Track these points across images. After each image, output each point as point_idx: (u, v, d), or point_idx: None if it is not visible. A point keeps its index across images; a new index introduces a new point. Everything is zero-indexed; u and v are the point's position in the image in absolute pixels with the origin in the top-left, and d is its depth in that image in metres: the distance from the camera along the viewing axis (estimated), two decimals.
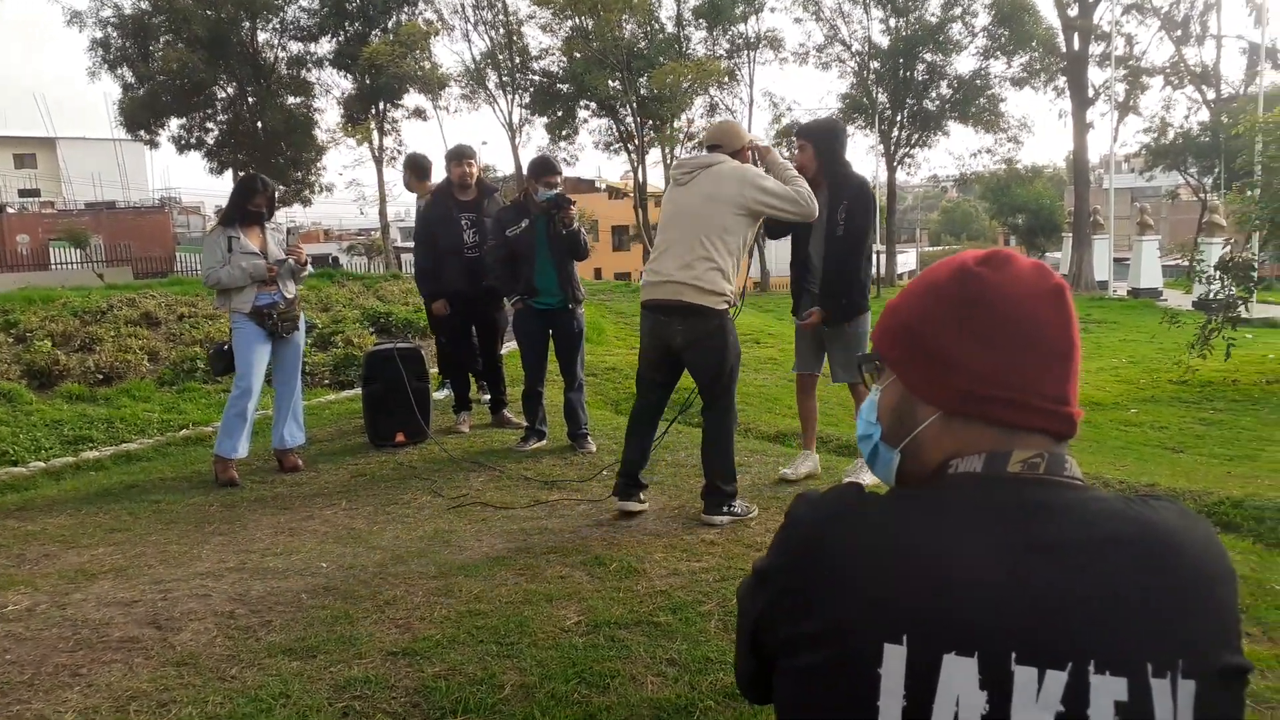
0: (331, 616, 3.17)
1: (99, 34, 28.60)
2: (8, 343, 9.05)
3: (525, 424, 5.92)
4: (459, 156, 6.17)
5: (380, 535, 4.17)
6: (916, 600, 0.89)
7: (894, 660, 0.88)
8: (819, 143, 4.57)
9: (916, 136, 35.26)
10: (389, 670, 2.78)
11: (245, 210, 5.19)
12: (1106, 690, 0.85)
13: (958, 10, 32.37)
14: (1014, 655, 0.86)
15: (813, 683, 0.94)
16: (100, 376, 8.19)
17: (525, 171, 5.85)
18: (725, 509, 4.17)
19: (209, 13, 27.26)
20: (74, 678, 2.77)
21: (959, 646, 0.87)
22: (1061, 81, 31.29)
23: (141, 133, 29.97)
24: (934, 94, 34.54)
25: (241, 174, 8.56)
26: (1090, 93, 30.37)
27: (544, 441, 5.82)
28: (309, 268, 5.47)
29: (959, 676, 0.86)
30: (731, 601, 3.21)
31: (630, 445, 4.33)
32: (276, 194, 5.51)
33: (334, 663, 2.82)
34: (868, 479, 4.59)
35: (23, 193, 48.54)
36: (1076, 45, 29.55)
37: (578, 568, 3.63)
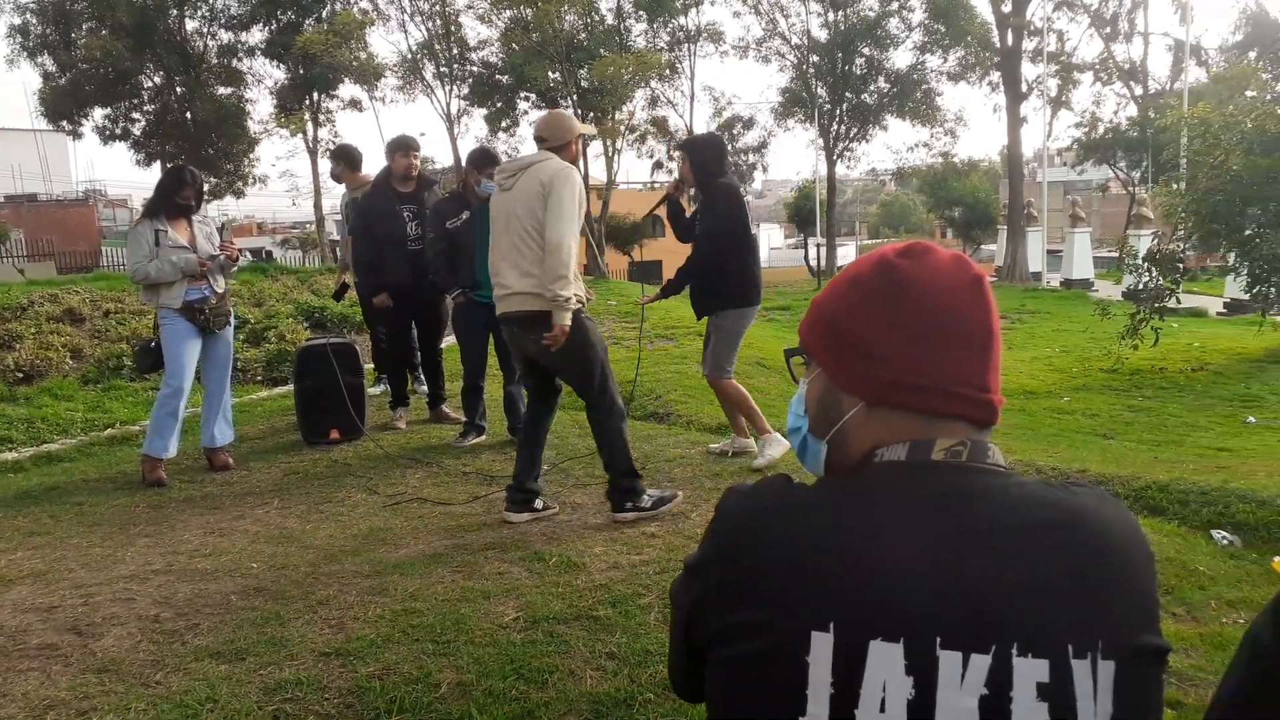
0: (261, 618, 3.09)
1: (17, 20, 27.54)
2: None
3: (464, 419, 5.85)
4: (404, 147, 6.04)
5: (314, 534, 4.07)
6: (843, 588, 0.90)
7: (821, 648, 0.88)
8: (694, 156, 4.88)
9: (855, 130, 35.70)
10: (321, 671, 2.71)
11: (172, 202, 5.02)
12: (1029, 672, 0.86)
13: (895, 5, 32.77)
14: (939, 640, 0.86)
15: (743, 673, 0.94)
16: (20, 375, 7.90)
17: (465, 162, 5.76)
18: (630, 505, 4.09)
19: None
20: None
21: (885, 633, 0.87)
22: (996, 76, 31.90)
23: (64, 123, 28.93)
24: (872, 88, 34.98)
25: (169, 165, 8.30)
26: (1024, 88, 31.06)
27: (484, 437, 5.76)
28: (239, 262, 5.33)
29: (885, 662, 0.87)
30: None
31: (519, 454, 4.27)
32: (205, 186, 5.35)
33: (264, 665, 2.75)
34: (768, 458, 4.84)
35: None
36: (1010, 41, 30.18)
37: (516, 563, 3.59)
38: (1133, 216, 24.44)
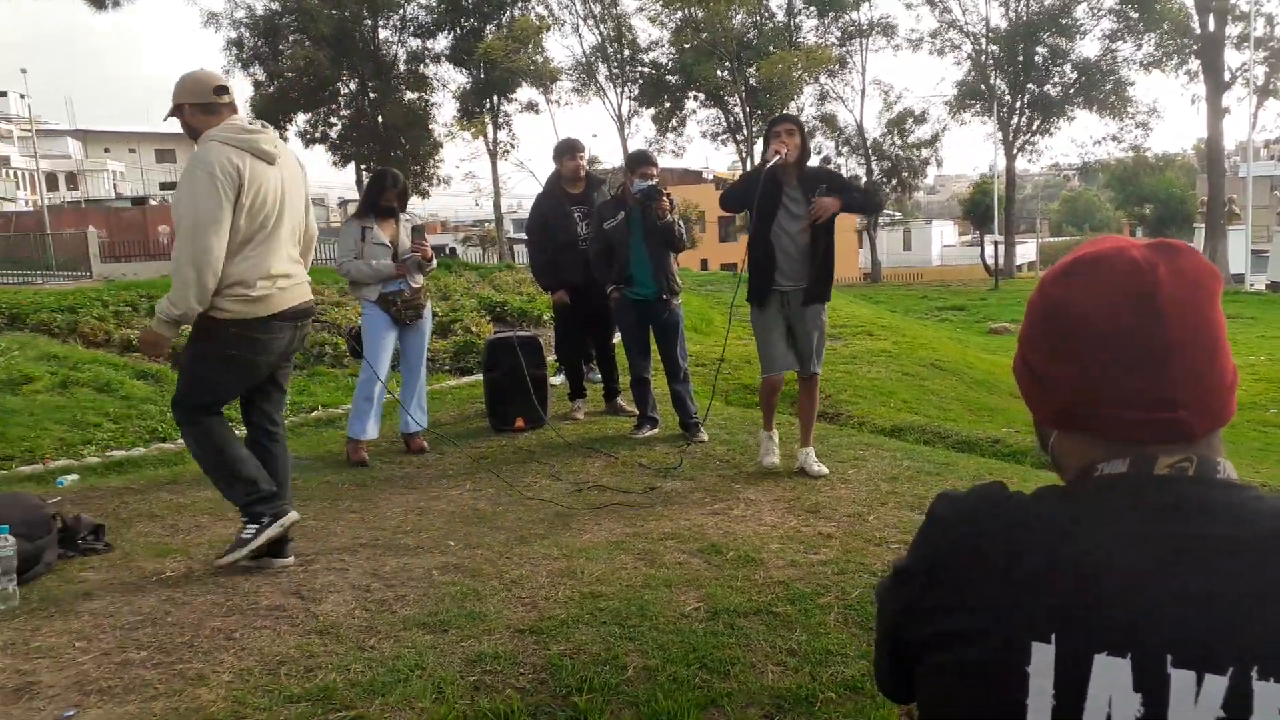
0: (461, 593, 3.30)
1: (233, 34, 30.10)
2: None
3: (637, 411, 6.02)
4: (571, 150, 6.26)
5: (503, 516, 4.31)
6: (1065, 599, 0.88)
7: (1042, 659, 0.87)
8: (804, 135, 4.78)
9: (1037, 123, 33.98)
10: (517, 647, 2.88)
11: (377, 205, 5.43)
12: (1271, 698, 0.82)
13: None
14: (1170, 658, 0.84)
15: (958, 680, 0.94)
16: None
17: (624, 164, 5.98)
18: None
19: (334, 12, 28.31)
20: (229, 640, 2.97)
21: (1111, 647, 0.85)
22: (1195, 64, 29.66)
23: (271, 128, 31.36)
24: (1056, 78, 33.21)
25: (377, 169, 8.88)
26: (1226, 76, 28.69)
27: (657, 429, 5.90)
28: (433, 263, 5.68)
29: (1111, 677, 0.85)
30: (851, 595, 3.22)
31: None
32: (408, 188, 5.75)
33: (465, 637, 2.94)
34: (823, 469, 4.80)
35: (163, 185, 51.36)
36: (1212, 26, 27.96)
37: (695, 555, 3.68)
38: None
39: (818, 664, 2.76)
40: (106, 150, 58.12)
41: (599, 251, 5.79)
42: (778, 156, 4.59)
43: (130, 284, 12.15)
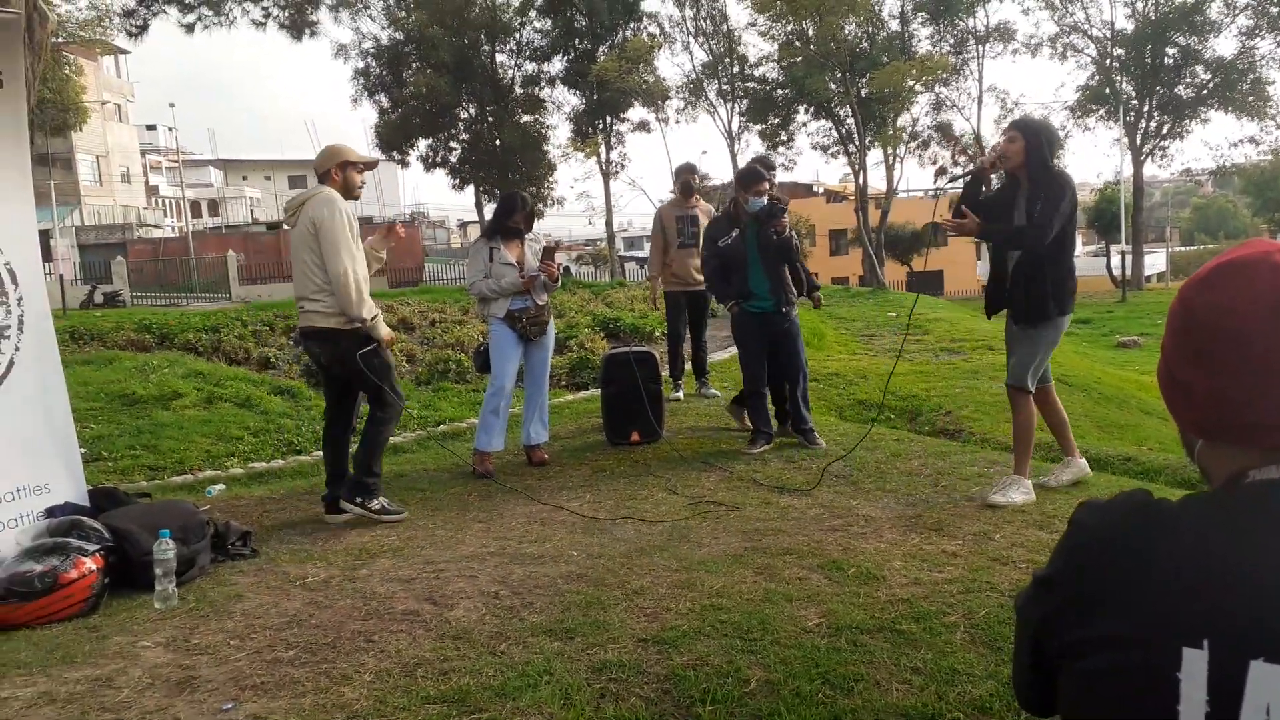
0: (585, 601, 3.38)
1: (360, 64, 31.53)
2: (288, 345, 10.18)
3: (750, 425, 6.03)
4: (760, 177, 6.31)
5: (623, 527, 4.39)
6: (1216, 604, 0.87)
7: (1194, 665, 0.87)
8: (1030, 138, 4.42)
9: (1168, 126, 32.40)
10: (640, 656, 2.94)
11: (505, 226, 5.62)
12: None
13: None
14: None
15: (1104, 686, 0.94)
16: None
17: (735, 180, 6.05)
18: (357, 500, 4.63)
19: (454, 39, 29.35)
20: (368, 643, 3.13)
21: (1267, 653, 0.84)
22: None
23: (394, 153, 32.68)
24: (1188, 79, 31.61)
25: (492, 190, 9.26)
26: None
27: (770, 444, 5.90)
28: (558, 283, 5.84)
29: (1269, 684, 0.84)
30: (979, 615, 3.16)
31: (325, 458, 4.93)
32: (534, 211, 5.94)
33: (590, 645, 3.02)
34: (1007, 499, 4.43)
35: None
36: None
37: (815, 570, 3.67)
38: None
39: (944, 683, 2.72)
40: (244, 178, 61.62)
41: (715, 269, 5.89)
42: (981, 163, 4.60)
43: (266, 304, 12.87)
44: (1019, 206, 4.47)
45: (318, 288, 4.56)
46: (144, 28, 15.68)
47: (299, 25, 15.46)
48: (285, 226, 4.95)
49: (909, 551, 3.87)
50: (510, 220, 5.63)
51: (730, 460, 5.66)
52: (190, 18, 15.31)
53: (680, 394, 7.56)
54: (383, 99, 31.61)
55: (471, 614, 3.34)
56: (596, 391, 6.91)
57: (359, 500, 4.65)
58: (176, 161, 50.25)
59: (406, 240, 39.03)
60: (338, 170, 4.69)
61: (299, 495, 5.41)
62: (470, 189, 32.95)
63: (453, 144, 32.66)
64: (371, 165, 5.06)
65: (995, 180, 4.68)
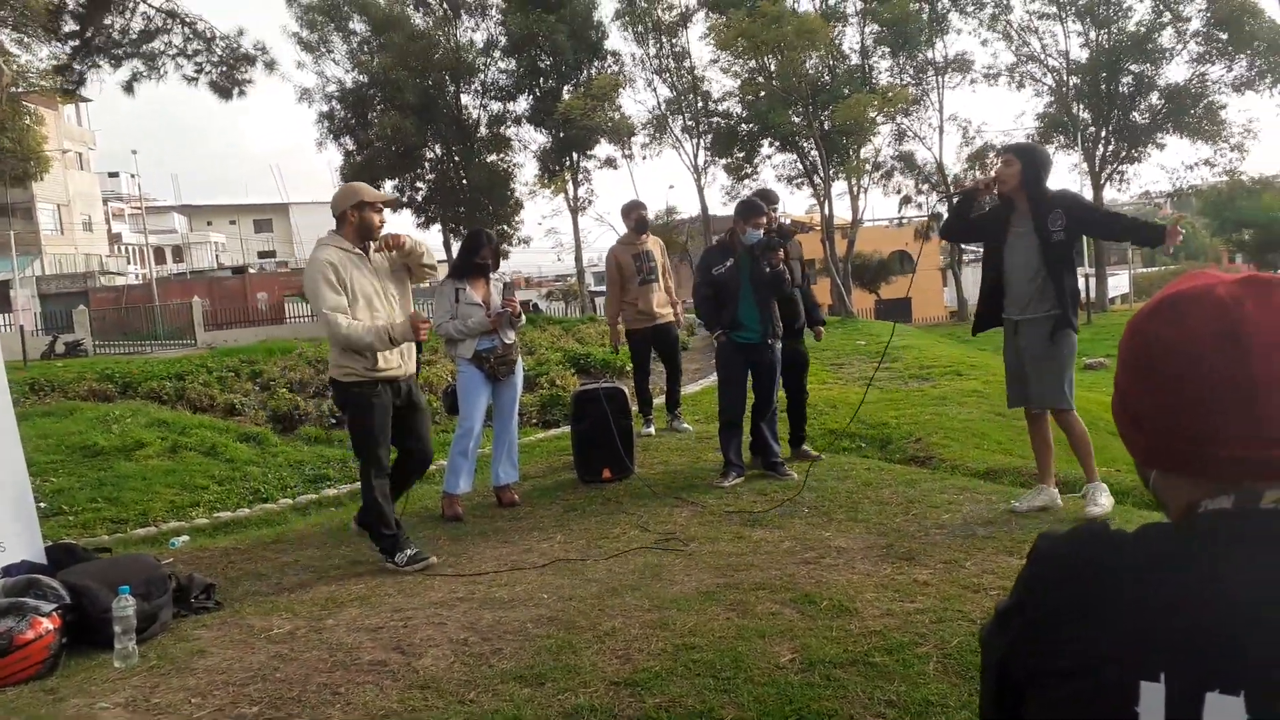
0: (556, 645, 3.34)
1: (325, 108, 31.57)
2: (255, 390, 10.08)
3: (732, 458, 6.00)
4: (765, 202, 6.30)
5: (594, 568, 4.34)
6: (1173, 636, 0.87)
7: (1152, 699, 0.86)
8: (1028, 161, 4.61)
9: (1124, 151, 33.13)
10: (613, 700, 2.89)
11: (472, 263, 5.60)
12: None
13: (1167, 16, 30.27)
14: None
15: (1066, 718, 0.93)
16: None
17: (734, 212, 6.09)
18: (384, 558, 4.60)
19: (419, 81, 29.48)
20: (334, 696, 3.06)
21: (1223, 684, 0.84)
22: None
23: None
24: (1143, 105, 32.39)
25: (458, 229, 9.26)
26: None
27: (742, 477, 5.88)
28: (522, 319, 5.82)
29: (1224, 716, 0.83)
30: (951, 644, 3.14)
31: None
32: (499, 248, 5.93)
33: (561, 690, 2.97)
34: (1100, 507, 4.50)
35: (261, 254, 53.89)
36: None
37: (788, 605, 3.65)
38: None
39: (917, 715, 2.71)
40: (209, 223, 61.26)
41: (706, 297, 5.93)
42: (978, 188, 4.77)
43: (232, 350, 12.75)
44: (1017, 229, 4.61)
45: (330, 339, 4.55)
46: (80, 81, 15.54)
47: (228, 84, 15.31)
48: None
49: (881, 582, 3.86)
50: (478, 256, 5.60)
51: (702, 494, 5.64)
52: (122, 72, 15.16)
53: (651, 429, 7.54)
54: (348, 141, 31.65)
55: (440, 662, 3.28)
56: (567, 429, 6.87)
57: (385, 558, 4.61)
58: (139, 208, 49.89)
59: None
60: (353, 212, 4.58)
61: (265, 545, 5.31)
62: (436, 228, 32.95)
63: (419, 184, 32.70)
64: (391, 203, 4.95)
65: (988, 201, 4.81)
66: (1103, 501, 4.58)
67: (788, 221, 5.98)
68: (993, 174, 4.61)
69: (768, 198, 6.39)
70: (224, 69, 15.87)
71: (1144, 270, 53.91)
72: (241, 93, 16.28)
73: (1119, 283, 44.51)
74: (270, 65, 16.35)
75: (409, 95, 28.96)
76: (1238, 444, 0.93)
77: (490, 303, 5.55)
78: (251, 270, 43.10)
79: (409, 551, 4.57)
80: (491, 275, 5.68)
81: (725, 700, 2.86)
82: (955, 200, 4.88)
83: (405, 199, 32.41)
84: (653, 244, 7.47)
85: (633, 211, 7.59)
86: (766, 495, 5.51)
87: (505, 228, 32.62)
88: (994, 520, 4.69)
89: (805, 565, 4.18)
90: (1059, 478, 4.99)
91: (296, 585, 4.44)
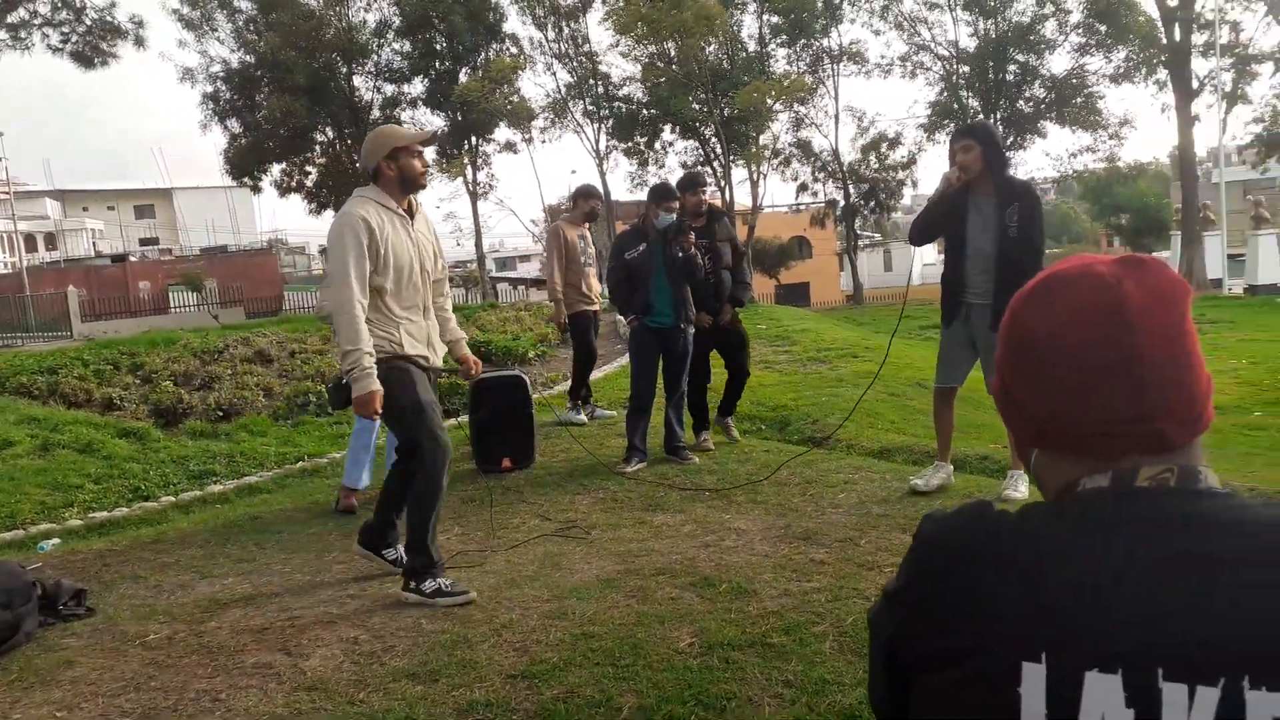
0: (450, 641, 3.25)
1: (209, 89, 30.19)
2: (135, 384, 9.59)
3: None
4: (693, 185, 6.25)
5: (493, 560, 4.25)
6: (1054, 617, 0.87)
7: (1034, 679, 0.86)
8: (987, 144, 4.54)
9: (1011, 139, 34.38)
10: (509, 693, 2.83)
11: None
12: (1264, 707, 0.81)
13: (1050, 8, 31.49)
14: (1161, 671, 0.83)
15: (952, 702, 0.93)
16: (220, 413, 8.60)
17: (647, 196, 6.07)
18: (411, 584, 3.72)
19: (309, 62, 28.46)
20: (214, 703, 2.91)
21: (1101, 663, 0.84)
22: (1163, 75, 30.11)
23: (247, 179, 31.40)
24: (1028, 95, 33.67)
25: None
26: (1195, 84, 29.18)
27: (645, 462, 5.87)
28: None
29: (1104, 694, 0.84)
30: (846, 622, 3.18)
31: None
32: None
33: (455, 686, 2.89)
34: (1019, 492, 4.55)
35: (143, 241, 51.48)
36: (1178, 36, 28.47)
37: (687, 589, 3.64)
38: None
39: (814, 694, 2.72)
40: (85, 209, 58.04)
41: (619, 280, 5.88)
42: (950, 183, 4.52)
43: (111, 342, 12.11)
44: (979, 210, 4.53)
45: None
46: None
47: (92, 54, 14.48)
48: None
49: (779, 562, 3.89)
50: None
51: (605, 481, 5.59)
52: None
53: (584, 416, 7.41)
54: (234, 124, 30.33)
55: (329, 663, 3.16)
56: (465, 418, 6.73)
57: (413, 585, 3.74)
58: (7, 192, 46.99)
59: (264, 269, 37.77)
60: (388, 163, 3.76)
61: (143, 545, 5.04)
62: (329, 213, 31.93)
63: (309, 168, 31.59)
64: (430, 141, 4.23)
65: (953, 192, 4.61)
66: (1023, 489, 4.60)
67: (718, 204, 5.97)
68: (956, 166, 4.48)
69: (696, 181, 6.35)
70: (90, 40, 15.03)
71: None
72: (105, 63, 15.44)
73: None
74: (140, 42, 15.54)
75: (298, 77, 27.90)
76: (1120, 420, 0.94)
77: None
78: (133, 258, 41.06)
79: (443, 581, 3.76)
80: None
81: (624, 688, 2.82)
82: (930, 205, 4.68)
83: (295, 183, 31.31)
84: (587, 231, 7.44)
85: (589, 199, 7.42)
86: (669, 479, 5.50)
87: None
88: (888, 499, 4.79)
89: (705, 549, 4.19)
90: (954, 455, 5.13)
91: (176, 587, 4.23)
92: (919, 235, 4.73)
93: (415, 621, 3.47)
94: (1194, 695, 0.82)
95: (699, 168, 33.37)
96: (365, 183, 3.85)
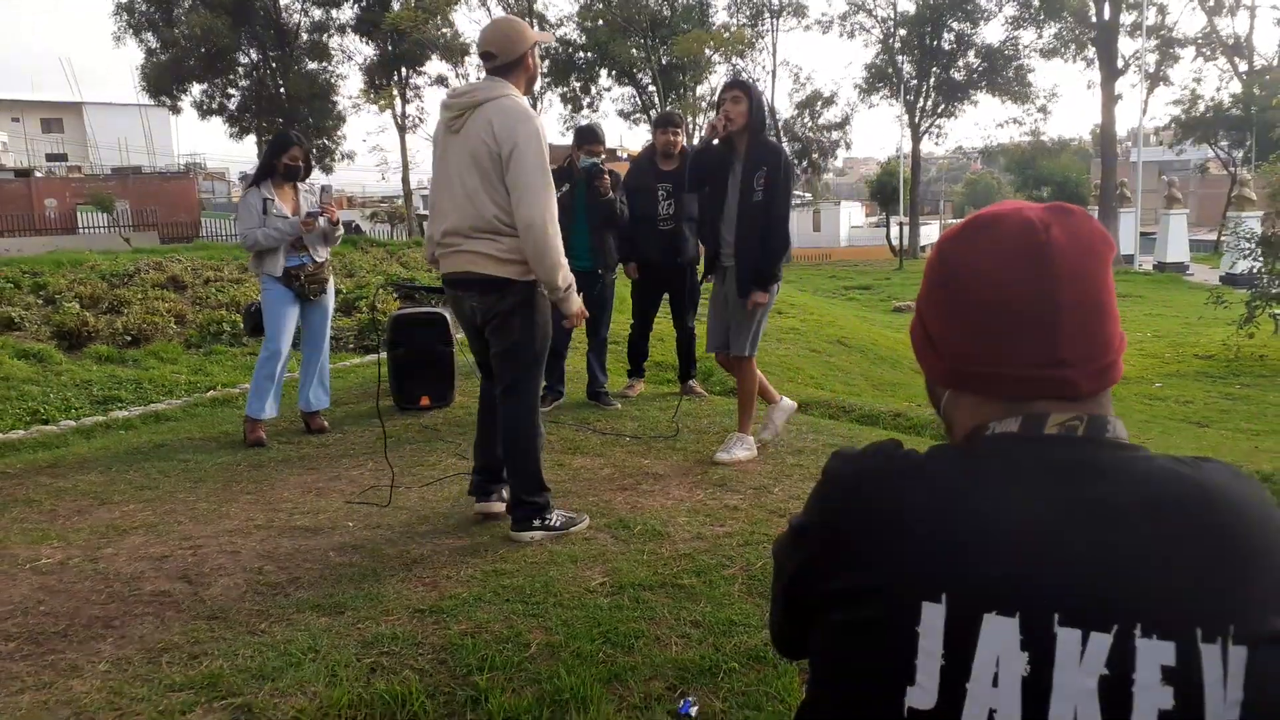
0: (359, 574, 3.20)
1: None
2: (37, 304, 9.15)
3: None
4: (666, 124, 6.06)
5: (406, 496, 4.20)
6: (955, 558, 0.88)
7: (932, 618, 0.87)
8: (754, 99, 4.45)
9: (943, 107, 34.86)
10: (416, 627, 2.81)
11: (281, 164, 5.17)
12: (1153, 654, 0.82)
13: None
14: (1057, 617, 0.84)
15: (850, 639, 0.93)
16: (129, 338, 8.27)
17: (573, 138, 5.98)
18: (537, 523, 3.55)
19: None
20: (107, 629, 2.82)
21: (1000, 606, 0.85)
22: (1091, 52, 30.82)
23: (164, 98, 30.00)
24: (961, 63, 34.13)
25: (279, 130, 8.59)
26: (1120, 63, 29.95)
27: (560, 400, 5.89)
28: (340, 229, 5.47)
29: (999, 637, 0.85)
30: (756, 566, 3.23)
31: (480, 437, 3.80)
32: (310, 155, 5.48)
33: (362, 619, 2.85)
34: (730, 454, 4.61)
35: (50, 157, 48.82)
36: (1107, 14, 29.09)
37: (602, 530, 3.65)
38: (1234, 198, 23.47)
39: (721, 635, 2.76)
40: None
41: None
42: (714, 131, 4.41)
43: (11, 260, 11.51)
44: (736, 172, 4.43)
45: (487, 224, 3.38)
46: None
47: None
48: (449, 130, 3.44)
49: (694, 508, 3.93)
50: (287, 156, 5.15)
51: None
52: None
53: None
54: (150, 38, 28.84)
55: (231, 592, 3.08)
56: (384, 354, 6.60)
57: (536, 523, 3.55)
58: None
59: (180, 193, 36.29)
60: (531, 55, 3.44)
61: (40, 469, 4.85)
62: (251, 139, 30.73)
63: (231, 90, 30.30)
64: (548, 42, 3.88)
65: (716, 143, 4.52)
66: (736, 453, 4.63)
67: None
68: (722, 114, 4.37)
69: (670, 120, 6.14)
70: None
71: (954, 221, 57.32)
72: None
73: (931, 232, 47.13)
74: None
75: None
76: (1034, 364, 0.94)
77: (300, 214, 5.18)
78: (39, 173, 39.03)
79: (560, 512, 3.65)
80: (301, 186, 5.30)
81: (533, 624, 2.82)
82: (694, 153, 4.64)
83: (216, 105, 30.02)
84: None
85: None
86: (587, 421, 5.50)
87: (327, 141, 30.87)
88: (803, 449, 4.87)
89: (623, 491, 4.20)
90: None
91: (73, 512, 4.08)
92: (693, 184, 4.70)
93: (324, 553, 3.41)
94: (1087, 641, 0.83)
95: (635, 117, 33.07)
96: (497, 75, 3.40)
